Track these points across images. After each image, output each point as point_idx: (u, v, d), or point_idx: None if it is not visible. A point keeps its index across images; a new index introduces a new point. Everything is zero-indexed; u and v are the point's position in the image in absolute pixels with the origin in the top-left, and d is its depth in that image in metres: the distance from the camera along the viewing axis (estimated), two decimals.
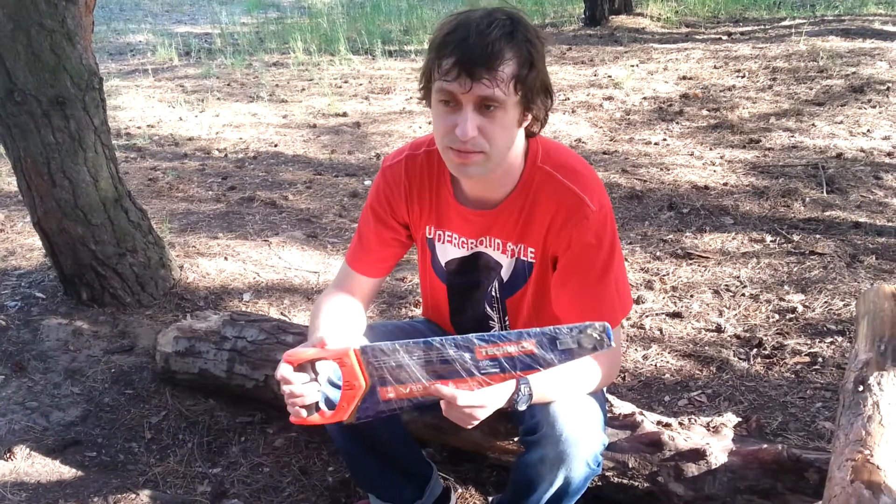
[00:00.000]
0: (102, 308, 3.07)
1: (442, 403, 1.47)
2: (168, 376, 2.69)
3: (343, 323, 1.79)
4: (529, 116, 1.61)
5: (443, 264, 1.88)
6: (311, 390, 1.56)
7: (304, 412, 1.57)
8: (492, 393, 1.47)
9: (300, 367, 1.56)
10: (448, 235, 1.83)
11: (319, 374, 1.60)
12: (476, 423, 1.50)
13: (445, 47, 1.49)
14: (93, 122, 2.88)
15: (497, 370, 1.42)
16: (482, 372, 1.42)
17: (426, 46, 7.55)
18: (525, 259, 1.76)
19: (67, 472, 2.36)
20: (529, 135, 1.69)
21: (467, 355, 1.42)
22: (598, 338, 1.35)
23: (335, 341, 1.57)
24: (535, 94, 1.57)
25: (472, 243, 1.80)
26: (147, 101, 6.77)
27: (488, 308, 1.88)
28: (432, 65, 1.53)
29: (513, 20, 1.51)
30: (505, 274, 1.81)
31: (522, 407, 1.54)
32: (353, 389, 1.53)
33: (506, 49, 1.48)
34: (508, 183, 1.70)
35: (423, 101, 1.65)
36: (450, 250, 1.85)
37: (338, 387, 1.60)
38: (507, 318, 1.88)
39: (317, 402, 1.58)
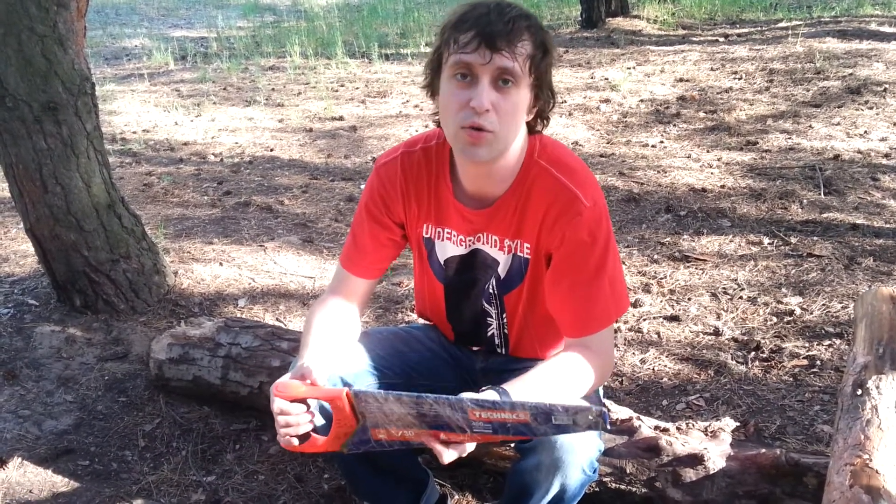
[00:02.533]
0: (96, 315, 3.06)
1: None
2: (162, 383, 2.67)
3: (337, 333, 1.78)
4: (535, 107, 1.62)
5: (441, 262, 1.86)
6: (304, 420, 1.55)
7: (295, 441, 1.56)
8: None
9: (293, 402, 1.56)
10: (447, 233, 1.81)
11: (311, 404, 1.59)
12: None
13: (464, 23, 1.51)
14: (85, 128, 2.86)
15: (489, 431, 1.39)
16: (474, 431, 1.40)
17: (423, 49, 7.54)
18: (521, 255, 1.75)
19: (60, 481, 2.34)
20: (531, 131, 1.68)
21: (460, 415, 1.39)
22: (594, 420, 1.29)
23: (321, 372, 1.56)
24: (545, 83, 1.60)
25: (469, 241, 1.79)
26: (143, 105, 6.76)
27: (486, 304, 1.86)
28: (446, 43, 1.55)
29: (525, 10, 1.56)
30: (502, 271, 1.79)
31: None
32: (343, 427, 1.52)
33: (524, 29, 1.52)
34: (508, 177, 1.69)
35: (426, 91, 1.65)
36: (448, 248, 1.83)
37: (328, 413, 1.58)
38: (504, 315, 1.86)
39: (309, 431, 1.57)
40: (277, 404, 1.54)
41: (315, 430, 1.59)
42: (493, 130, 1.54)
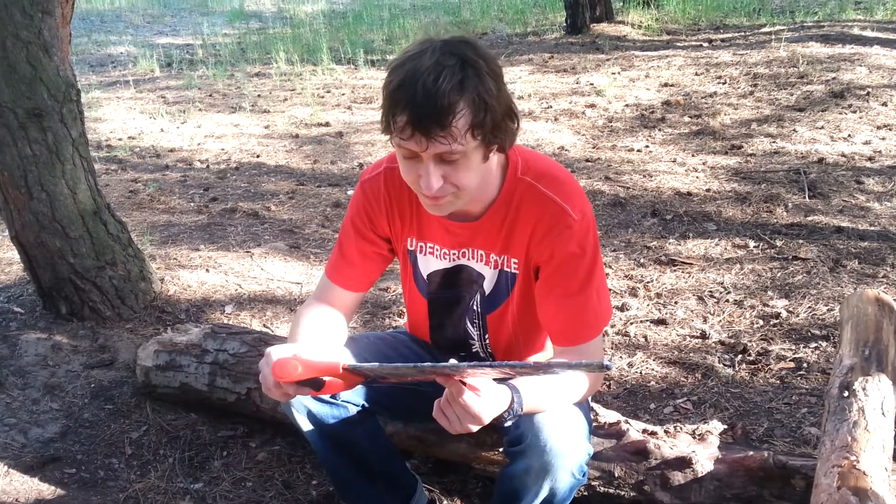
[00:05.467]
0: (82, 322, 3.04)
1: (436, 404, 1.43)
2: (149, 391, 2.65)
3: (324, 334, 1.77)
4: (495, 147, 1.56)
5: (424, 277, 1.86)
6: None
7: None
8: (490, 403, 1.42)
9: None
10: (430, 247, 1.81)
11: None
12: (464, 433, 1.44)
13: (396, 105, 1.44)
14: (70, 135, 2.85)
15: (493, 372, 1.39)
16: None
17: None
18: (509, 270, 1.75)
19: (46, 489, 2.32)
20: (502, 150, 1.66)
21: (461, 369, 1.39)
22: (599, 365, 1.33)
23: (314, 354, 1.53)
24: (496, 129, 1.52)
25: (454, 254, 1.79)
26: (128, 112, 6.73)
27: (469, 325, 1.86)
28: (388, 115, 1.49)
29: (463, 63, 1.44)
30: (487, 287, 1.79)
31: (508, 423, 1.52)
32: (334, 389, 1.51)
33: (457, 102, 1.42)
34: (486, 198, 1.69)
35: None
36: (431, 262, 1.83)
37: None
38: (487, 336, 1.86)
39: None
40: (272, 382, 1.50)
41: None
42: (451, 194, 1.55)
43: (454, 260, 1.79)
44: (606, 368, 1.26)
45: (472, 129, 1.46)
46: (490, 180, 1.66)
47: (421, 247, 1.82)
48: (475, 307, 1.83)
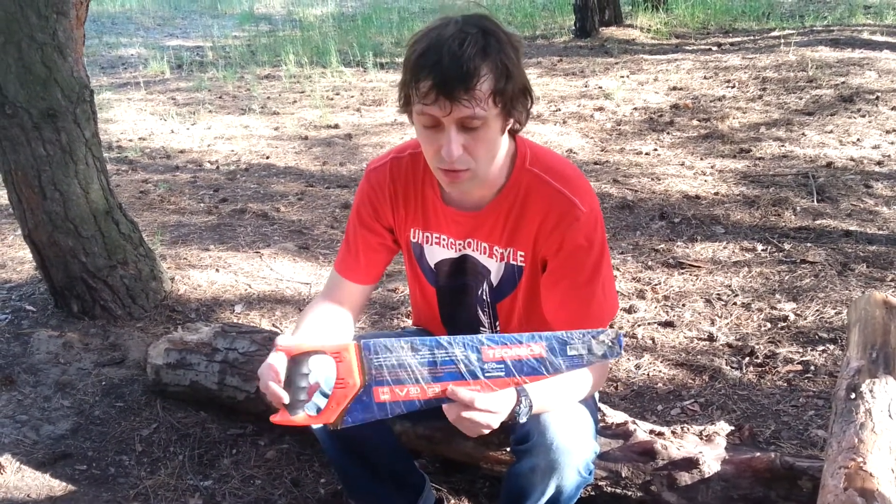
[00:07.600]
0: (93, 320, 3.06)
1: (449, 410, 1.44)
2: (159, 389, 2.67)
3: (328, 331, 1.78)
4: (511, 121, 1.61)
5: (432, 266, 1.87)
6: (297, 393, 1.52)
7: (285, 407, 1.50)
8: (501, 400, 1.45)
9: (294, 360, 1.51)
10: (436, 237, 1.82)
11: (311, 374, 1.54)
12: (487, 431, 1.46)
13: (420, 70, 1.48)
14: (84, 135, 2.88)
15: (502, 374, 1.41)
16: (487, 375, 1.42)
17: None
18: (515, 263, 1.76)
19: (58, 485, 2.34)
20: (513, 131, 1.69)
21: (474, 356, 1.41)
22: (610, 345, 1.37)
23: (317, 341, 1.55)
24: (515, 100, 1.57)
25: (459, 245, 1.80)
26: (139, 113, 6.77)
27: (480, 313, 1.87)
28: (409, 86, 1.52)
29: (485, 32, 1.49)
30: (495, 278, 1.80)
31: (523, 419, 1.53)
32: (345, 388, 1.47)
33: (481, 66, 1.47)
34: (495, 184, 1.70)
35: (403, 113, 1.64)
36: (437, 252, 1.84)
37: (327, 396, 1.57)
38: (497, 323, 1.87)
39: (302, 403, 1.52)
40: (272, 359, 1.51)
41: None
42: (469, 168, 1.57)
43: (460, 250, 1.80)
44: (617, 344, 1.34)
45: (493, 94, 1.50)
46: (499, 162, 1.67)
47: (427, 237, 1.83)
48: (484, 296, 1.84)
